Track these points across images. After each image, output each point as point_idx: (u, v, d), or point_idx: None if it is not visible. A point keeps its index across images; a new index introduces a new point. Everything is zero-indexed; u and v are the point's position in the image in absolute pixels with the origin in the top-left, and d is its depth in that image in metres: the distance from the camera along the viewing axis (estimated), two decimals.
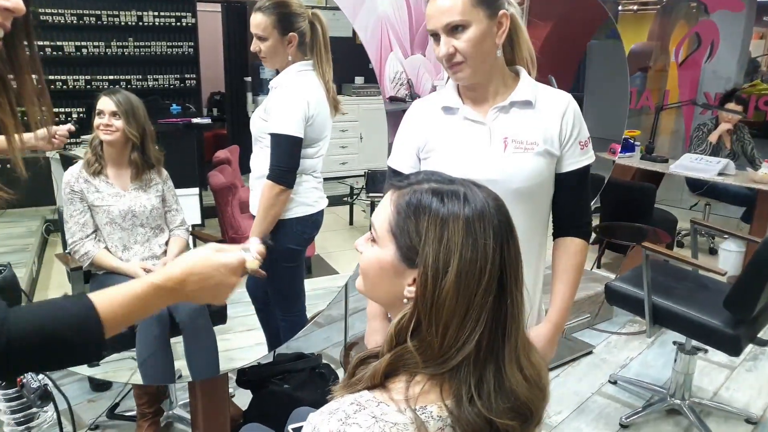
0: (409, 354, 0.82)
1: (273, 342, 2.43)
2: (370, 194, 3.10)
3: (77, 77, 2.60)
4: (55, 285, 2.43)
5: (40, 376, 1.24)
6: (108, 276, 2.12)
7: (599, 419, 2.60)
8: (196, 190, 3.45)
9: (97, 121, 2.01)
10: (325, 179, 2.62)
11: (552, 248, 1.55)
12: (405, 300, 0.85)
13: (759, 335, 2.44)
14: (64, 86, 2.55)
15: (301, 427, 1.31)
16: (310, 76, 2.05)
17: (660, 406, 2.64)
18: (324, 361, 2.71)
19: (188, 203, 3.47)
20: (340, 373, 2.55)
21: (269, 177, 2.03)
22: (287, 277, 2.22)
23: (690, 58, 5.41)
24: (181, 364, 2.17)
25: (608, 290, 2.59)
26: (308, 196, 2.16)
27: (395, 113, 4.12)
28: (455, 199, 0.83)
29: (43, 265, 2.52)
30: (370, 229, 0.91)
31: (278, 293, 2.26)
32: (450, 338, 0.80)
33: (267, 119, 2.04)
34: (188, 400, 2.17)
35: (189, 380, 2.12)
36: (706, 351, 2.55)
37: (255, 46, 2.01)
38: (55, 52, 2.51)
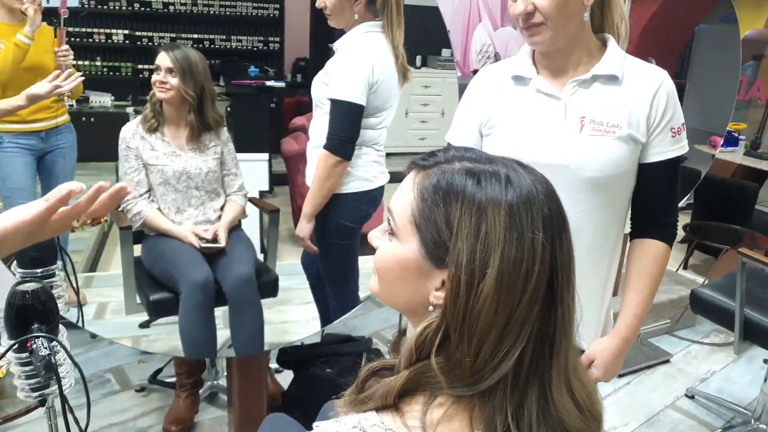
0: (432, 372, 0.67)
1: (325, 321, 2.34)
2: None
3: (162, 34, 2.61)
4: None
5: (53, 343, 1.17)
6: (159, 238, 2.08)
7: None
8: (266, 155, 3.41)
9: (153, 77, 1.94)
10: (403, 154, 2.48)
11: (628, 250, 1.34)
12: (430, 307, 0.69)
13: None
14: (150, 42, 2.55)
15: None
16: (378, 38, 1.90)
17: (742, 429, 2.37)
18: (376, 344, 2.60)
19: (256, 168, 3.43)
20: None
21: (326, 146, 1.91)
22: (339, 255, 2.11)
23: None
24: (227, 335, 2.12)
25: (694, 297, 2.33)
26: (367, 171, 2.03)
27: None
28: (495, 181, 0.67)
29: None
30: (388, 218, 0.75)
31: (329, 271, 2.16)
32: (485, 355, 0.65)
33: (328, 83, 1.91)
34: None
35: (231, 355, 2.06)
36: None
37: (320, 1, 1.88)
38: (143, 8, 2.51)
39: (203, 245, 2.10)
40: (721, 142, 3.78)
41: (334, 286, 2.19)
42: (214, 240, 2.14)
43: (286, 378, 2.33)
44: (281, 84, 3.35)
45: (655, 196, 1.30)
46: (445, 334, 0.67)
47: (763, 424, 2.34)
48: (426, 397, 0.68)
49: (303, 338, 2.22)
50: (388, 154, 2.13)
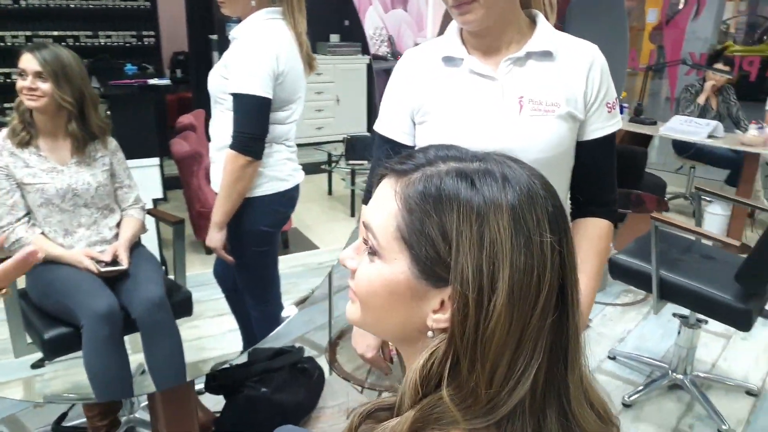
0: (443, 407, 0.57)
1: (247, 333, 2.17)
2: (350, 162, 2.83)
3: (16, 33, 2.26)
4: None
5: None
6: (47, 266, 1.82)
7: None
8: (156, 160, 3.13)
9: (19, 83, 1.67)
10: (300, 145, 2.35)
11: (572, 231, 1.30)
12: (429, 333, 0.60)
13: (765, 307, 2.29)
14: (1, 43, 2.21)
15: None
16: (280, 25, 1.75)
17: (662, 383, 2.49)
18: (306, 350, 2.47)
19: (147, 175, 3.14)
20: (324, 364, 2.31)
21: (232, 146, 1.74)
22: (258, 262, 1.95)
23: (673, 19, 5.20)
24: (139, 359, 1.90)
25: (612, 264, 2.39)
26: (281, 169, 1.88)
27: (377, 73, 3.83)
28: (491, 180, 0.58)
29: None
30: (362, 234, 0.64)
31: (248, 280, 1.99)
32: (499, 379, 0.56)
33: (228, 77, 1.74)
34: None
35: (151, 390, 1.85)
36: (706, 322, 2.39)
37: None
38: None
39: (102, 269, 1.87)
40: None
41: (254, 297, 2.03)
42: (114, 262, 1.91)
43: (212, 400, 2.15)
44: (165, 81, 3.08)
45: (594, 174, 1.27)
46: (453, 361, 0.57)
47: (680, 374, 2.46)
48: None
49: (225, 356, 2.05)
50: None
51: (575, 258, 0.61)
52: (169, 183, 4.04)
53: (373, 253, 0.62)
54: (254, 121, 1.74)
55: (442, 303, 0.58)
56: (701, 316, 2.36)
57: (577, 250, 1.25)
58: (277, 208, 1.89)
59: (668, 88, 5.36)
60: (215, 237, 1.87)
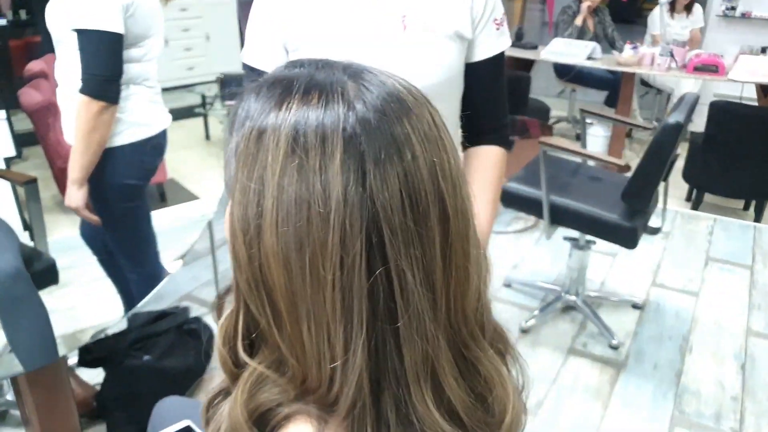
0: (269, 381, 0.48)
1: (127, 298, 1.98)
2: (227, 102, 2.62)
3: None
4: None
5: None
6: None
7: None
8: (2, 113, 2.77)
9: None
10: (170, 89, 2.10)
11: (464, 161, 1.23)
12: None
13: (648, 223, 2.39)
14: None
15: None
16: None
17: (555, 305, 2.57)
18: (195, 308, 2.32)
19: None
20: (213, 323, 2.17)
21: (83, 91, 1.52)
22: (127, 220, 1.76)
23: None
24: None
25: (503, 192, 2.38)
26: (142, 114, 1.67)
27: (242, 5, 3.54)
28: (287, 97, 0.46)
29: None
30: None
31: (119, 241, 1.80)
32: (311, 348, 0.45)
33: (70, 11, 1.49)
34: None
35: (16, 366, 1.64)
36: (595, 243, 2.47)
37: None
38: None
39: None
40: None
41: (129, 259, 1.84)
42: None
43: (90, 375, 1.97)
44: (1, 21, 2.69)
45: (485, 98, 1.18)
46: (250, 317, 0.48)
47: (572, 295, 2.55)
48: (313, 424, 0.48)
49: (104, 326, 1.85)
50: None
51: (402, 200, 0.45)
52: (24, 139, 3.62)
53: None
54: (105, 60, 1.52)
55: None
56: (590, 238, 2.42)
57: (471, 181, 1.20)
58: (141, 158, 1.69)
59: (546, 12, 5.42)
60: (75, 195, 1.66)
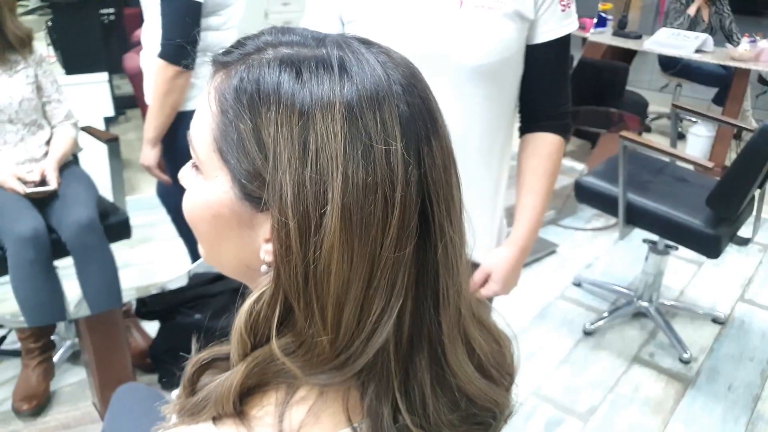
0: (279, 363, 0.47)
1: (195, 257, 2.07)
2: None
3: None
4: None
5: None
6: None
7: (562, 326, 2.37)
8: (105, 75, 2.95)
9: None
10: None
11: (520, 146, 1.18)
12: (263, 267, 0.48)
13: (738, 233, 2.20)
14: None
15: None
16: None
17: (626, 310, 2.44)
18: None
19: (96, 91, 2.97)
20: None
21: (160, 55, 1.59)
22: None
23: None
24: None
25: (579, 187, 2.27)
26: None
27: None
28: (323, 71, 0.44)
29: None
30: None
31: None
32: (348, 326, 0.45)
33: None
34: None
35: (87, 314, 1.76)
36: (676, 248, 2.31)
37: None
38: None
39: (29, 190, 1.76)
40: (593, 23, 3.73)
41: None
42: (43, 182, 1.79)
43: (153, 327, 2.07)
44: None
45: (545, 83, 1.13)
46: (285, 305, 0.46)
47: (645, 302, 2.41)
48: (281, 394, 0.48)
49: (166, 282, 1.95)
50: None
51: (447, 171, 0.48)
52: (125, 101, 3.84)
53: (196, 168, 0.50)
54: (182, 26, 1.57)
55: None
56: (671, 243, 2.27)
57: (524, 169, 1.15)
58: None
59: None
60: (149, 154, 1.75)
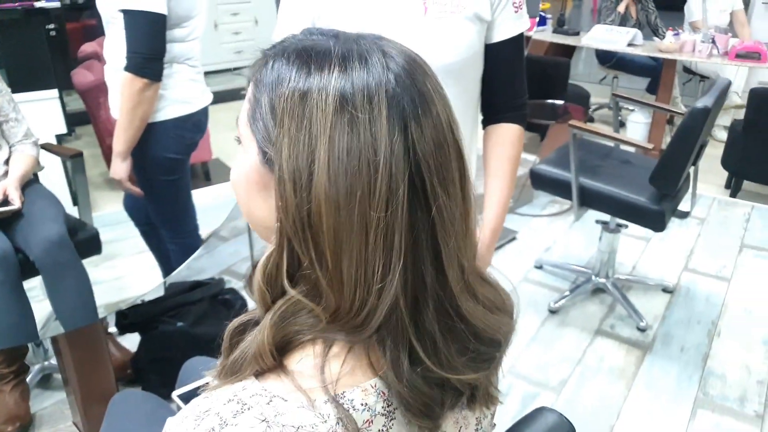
0: (301, 307, 0.54)
1: (167, 269, 2.09)
2: None
3: None
4: None
5: None
6: None
7: (528, 307, 2.50)
8: (54, 92, 2.91)
9: None
10: (219, 71, 2.15)
11: (483, 138, 1.27)
12: (277, 225, 0.55)
13: (679, 208, 2.37)
14: None
15: (189, 394, 1.03)
16: None
17: (586, 287, 2.58)
18: (232, 281, 2.42)
19: (46, 109, 2.91)
20: (247, 295, 2.26)
21: (127, 68, 1.61)
22: (168, 193, 1.85)
23: None
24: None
25: (534, 175, 2.40)
26: (184, 91, 1.75)
27: None
28: (326, 61, 0.53)
29: None
30: None
31: (160, 213, 1.90)
32: (351, 278, 0.52)
33: None
34: None
35: (60, 331, 1.75)
36: (626, 227, 2.47)
37: None
38: None
39: None
40: (536, 22, 3.91)
41: (170, 230, 1.94)
42: (5, 202, 1.77)
43: (130, 341, 2.08)
44: (55, 3, 2.81)
45: (504, 78, 1.22)
46: (293, 256, 0.54)
47: (602, 278, 2.56)
48: (318, 347, 0.54)
49: (142, 295, 1.96)
50: (203, 73, 1.87)
51: (439, 145, 0.54)
52: (76, 118, 3.77)
53: (239, 142, 0.59)
54: (148, 39, 1.60)
55: None
56: (621, 221, 2.42)
57: (489, 157, 1.24)
58: (182, 133, 1.77)
59: None
60: (119, 168, 1.76)
